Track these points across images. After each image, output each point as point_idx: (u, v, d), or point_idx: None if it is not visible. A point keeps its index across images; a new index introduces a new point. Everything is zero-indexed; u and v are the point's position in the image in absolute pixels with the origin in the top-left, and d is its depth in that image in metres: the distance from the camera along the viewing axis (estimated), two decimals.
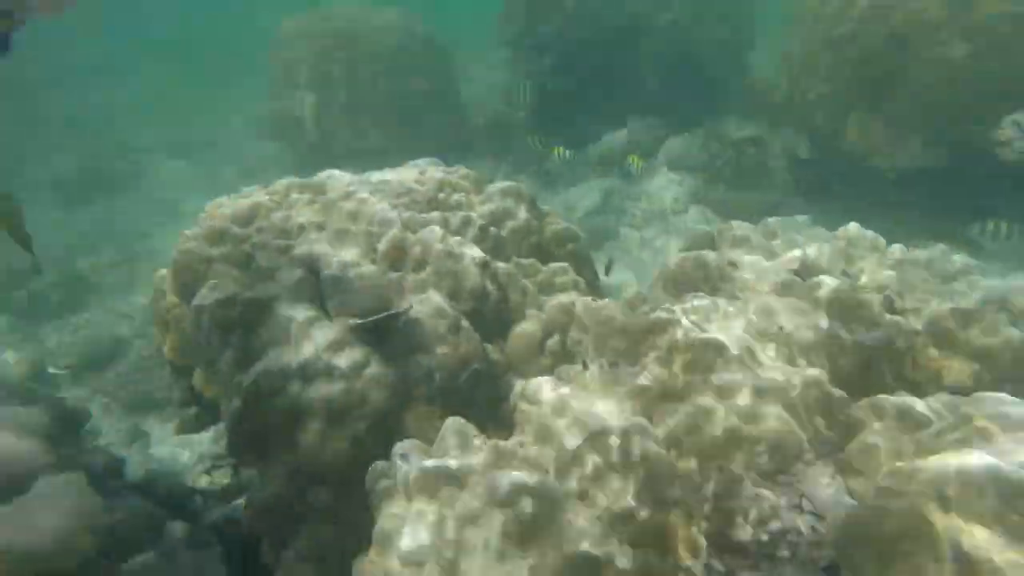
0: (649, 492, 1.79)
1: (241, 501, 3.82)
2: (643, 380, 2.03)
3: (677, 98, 7.67)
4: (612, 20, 7.40)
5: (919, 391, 2.30)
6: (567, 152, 5.98)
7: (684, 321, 2.05)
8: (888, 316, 2.31)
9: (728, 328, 2.02)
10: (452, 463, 1.74)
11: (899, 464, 1.44)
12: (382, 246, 2.78)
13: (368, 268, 2.65)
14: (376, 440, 2.54)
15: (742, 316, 2.08)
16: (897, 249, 2.82)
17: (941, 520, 1.30)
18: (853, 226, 2.96)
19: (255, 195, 3.38)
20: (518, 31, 8.01)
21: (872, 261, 2.60)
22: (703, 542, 1.78)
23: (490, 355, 2.82)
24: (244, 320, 2.64)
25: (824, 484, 1.72)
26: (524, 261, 3.18)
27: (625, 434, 1.81)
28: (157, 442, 4.95)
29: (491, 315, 2.85)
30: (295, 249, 2.79)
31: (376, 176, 3.55)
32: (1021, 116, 5.10)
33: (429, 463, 1.75)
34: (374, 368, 2.51)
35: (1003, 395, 1.47)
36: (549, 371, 2.99)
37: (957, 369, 2.30)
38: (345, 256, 2.73)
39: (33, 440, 2.47)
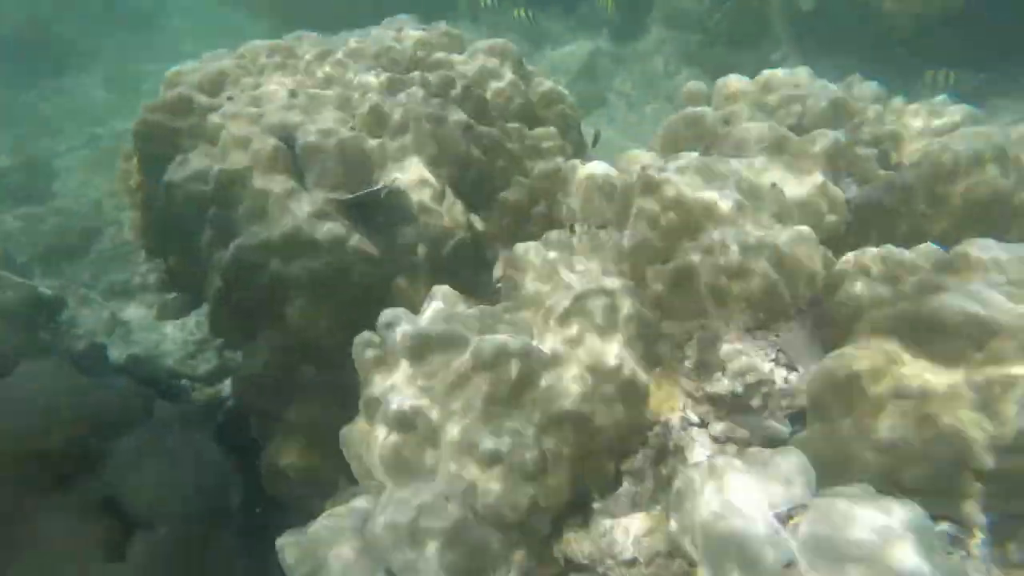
0: (632, 350, 1.82)
1: (227, 383, 3.94)
2: (629, 240, 2.01)
3: None
4: None
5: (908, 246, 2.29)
6: (528, 12, 5.63)
7: (674, 179, 1.99)
8: (882, 171, 2.24)
9: (720, 186, 1.95)
10: (437, 328, 1.75)
11: (874, 312, 1.45)
12: (360, 111, 2.63)
13: (347, 135, 2.52)
14: (361, 313, 2.55)
15: (733, 173, 2.01)
16: (898, 101, 2.70)
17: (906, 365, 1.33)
18: (855, 77, 2.81)
19: (221, 60, 3.14)
20: None
21: (872, 113, 2.48)
22: (682, 397, 1.85)
23: (475, 224, 2.77)
24: (218, 196, 2.55)
25: (802, 337, 1.75)
26: (510, 125, 3.04)
27: (611, 295, 1.81)
28: (138, 330, 4.99)
29: (475, 182, 2.77)
30: (267, 117, 2.63)
31: (351, 37, 3.28)
32: None
33: (414, 328, 1.76)
34: (356, 240, 2.47)
35: (988, 240, 1.46)
36: (533, 238, 2.97)
37: (944, 224, 2.28)
38: (321, 123, 2.58)
39: (11, 325, 2.48)
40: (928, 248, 1.53)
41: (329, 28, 5.13)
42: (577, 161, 2.62)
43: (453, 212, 2.58)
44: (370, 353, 1.88)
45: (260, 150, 2.50)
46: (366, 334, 1.93)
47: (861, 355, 1.35)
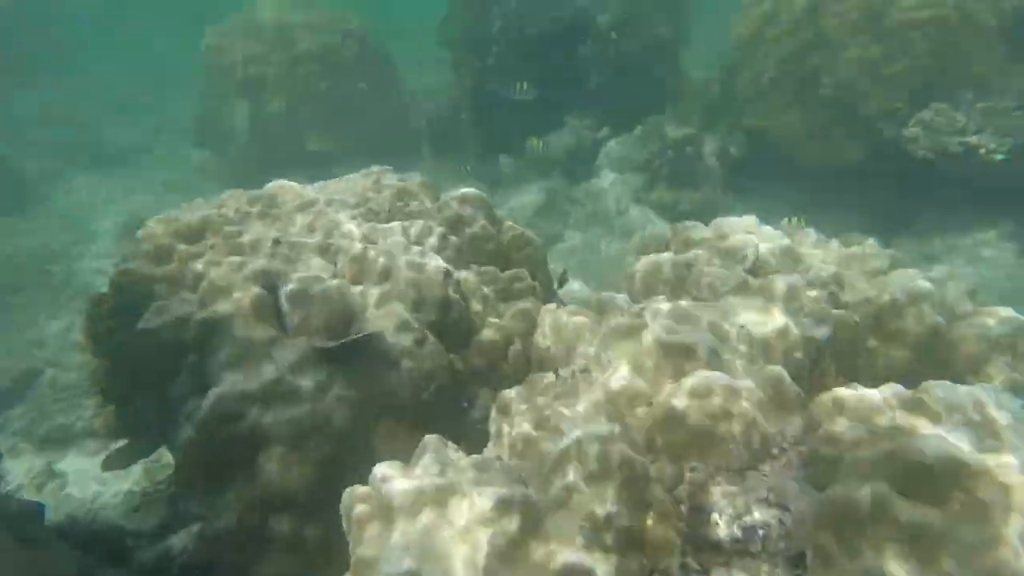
0: (627, 497, 1.84)
1: (178, 537, 3.64)
2: (615, 385, 2.08)
3: (617, 97, 7.83)
4: (554, 20, 7.48)
5: (862, 379, 2.45)
6: (540, 143, 6.19)
7: (652, 324, 2.11)
8: (834, 311, 2.44)
9: (696, 330, 2.09)
10: (434, 481, 1.73)
11: (861, 453, 1.54)
12: (343, 260, 2.73)
13: (330, 283, 2.59)
14: (343, 462, 2.50)
15: (705, 317, 2.16)
16: (836, 245, 3.00)
17: (903, 504, 1.40)
18: (796, 222, 3.12)
19: (201, 209, 3.25)
20: (459, 31, 7.97)
21: (816, 258, 2.74)
22: (678, 542, 1.84)
23: (455, 366, 2.81)
24: (198, 343, 2.53)
25: (789, 476, 1.81)
26: (483, 268, 3.19)
27: (603, 441, 1.85)
28: (76, 481, 4.64)
29: (454, 325, 2.85)
30: (250, 265, 2.69)
31: (330, 186, 3.48)
32: (929, 114, 5.49)
33: (410, 483, 1.73)
34: (339, 388, 2.47)
35: (945, 382, 1.60)
36: (511, 378, 3.03)
37: (892, 356, 2.47)
38: (304, 271, 2.66)
39: None
40: (895, 389, 1.67)
41: (304, 172, 5.39)
42: (553, 305, 2.75)
43: (434, 356, 2.63)
44: (361, 508, 1.82)
45: (243, 298, 2.54)
46: (358, 489, 1.88)
47: (857, 497, 1.42)
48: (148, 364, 2.74)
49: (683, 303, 2.23)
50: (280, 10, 8.09)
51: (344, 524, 1.96)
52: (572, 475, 1.83)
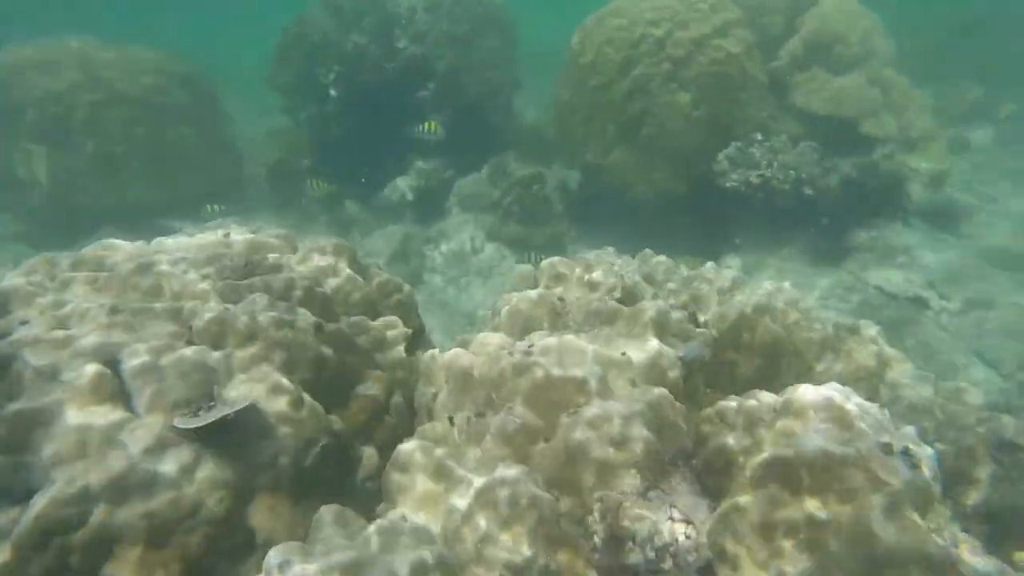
0: (542, 536, 1.83)
1: None
2: (511, 426, 2.08)
3: (458, 140, 8.04)
4: (392, 66, 7.53)
5: (726, 390, 2.70)
6: (323, 184, 6.15)
7: (540, 360, 2.15)
8: (696, 329, 2.67)
9: (582, 362, 2.16)
10: (342, 558, 1.59)
11: (754, 459, 1.68)
12: (199, 323, 2.45)
13: (185, 352, 2.31)
14: (218, 554, 2.20)
15: (590, 349, 2.25)
16: (683, 268, 3.30)
17: (792, 502, 1.55)
18: (648, 252, 3.39)
19: (6, 279, 2.74)
20: (295, 75, 7.71)
21: (672, 283, 3.00)
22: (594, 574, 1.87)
23: (334, 426, 2.63)
24: (12, 442, 2.10)
25: (687, 490, 1.93)
26: (353, 319, 3.05)
27: (511, 484, 1.83)
28: None
29: (329, 381, 2.67)
30: (81, 340, 2.32)
31: (168, 243, 3.13)
32: (731, 151, 6.33)
33: (315, 565, 1.57)
34: (208, 468, 2.18)
35: (808, 385, 1.82)
36: (394, 431, 2.91)
37: (748, 365, 2.76)
38: (152, 340, 2.35)
39: None
40: (768, 398, 1.85)
41: (122, 225, 4.78)
42: (436, 351, 2.69)
43: (314, 417, 2.44)
44: None
45: (76, 379, 2.17)
46: None
47: (751, 503, 1.54)
48: None
49: (566, 338, 2.31)
50: (87, 46, 7.24)
51: None
52: (484, 524, 1.78)
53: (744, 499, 1.62)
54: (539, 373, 2.12)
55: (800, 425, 1.69)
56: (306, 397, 2.47)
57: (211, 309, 2.49)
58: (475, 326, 5.84)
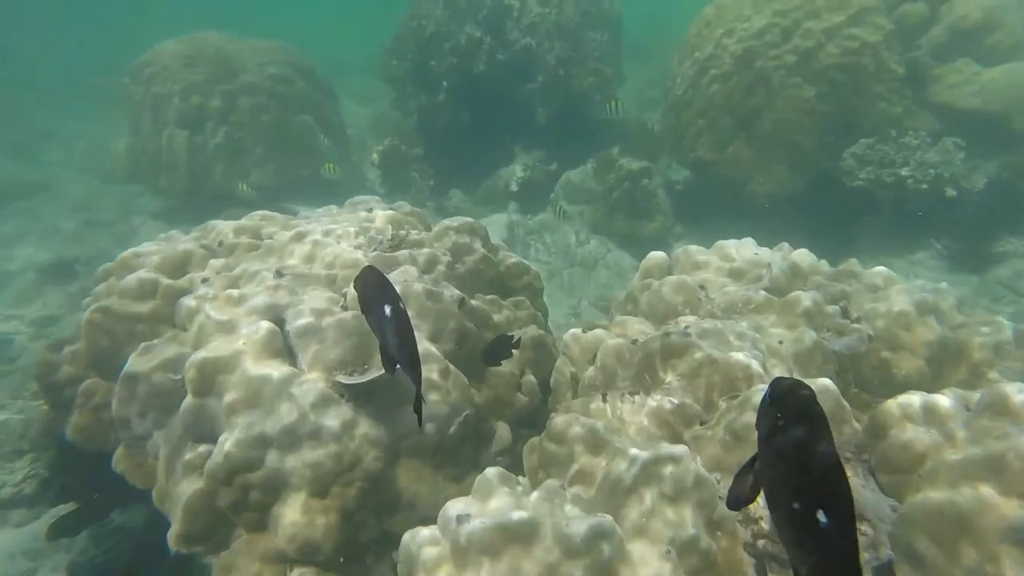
0: (703, 517, 1.79)
1: None
2: (668, 405, 2.05)
3: (562, 133, 8.03)
4: (503, 57, 7.62)
5: (878, 389, 2.55)
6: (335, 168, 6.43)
7: (699, 343, 2.11)
8: (851, 324, 2.54)
9: (742, 347, 2.10)
10: (517, 517, 1.62)
11: (946, 457, 1.57)
12: (351, 290, 2.57)
13: (345, 315, 2.43)
14: (369, 509, 2.31)
15: (748, 335, 2.18)
16: (826, 265, 3.13)
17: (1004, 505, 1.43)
18: (787, 246, 3.24)
19: (181, 242, 3.00)
20: (409, 66, 7.96)
21: (818, 277, 2.85)
22: (751, 562, 1.81)
23: (475, 399, 2.70)
24: (201, 386, 2.29)
25: (861, 486, 1.83)
26: (488, 297, 3.11)
27: (676, 461, 1.81)
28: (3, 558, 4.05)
29: (468, 355, 2.74)
30: (252, 299, 2.49)
31: (320, 215, 3.30)
32: (860, 148, 5.95)
33: (492, 520, 1.61)
34: (365, 426, 2.29)
35: (1017, 383, 1.67)
36: (527, 408, 2.94)
37: (907, 366, 2.58)
38: (312, 303, 2.49)
39: None
40: (964, 394, 1.73)
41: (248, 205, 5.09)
42: (577, 330, 2.70)
43: (459, 387, 2.50)
44: (430, 552, 1.68)
45: (252, 334, 2.33)
46: (421, 531, 1.73)
47: (961, 499, 1.44)
48: (132, 412, 2.45)
49: (727, 322, 2.25)
50: (222, 40, 7.80)
51: (403, 570, 1.80)
52: (649, 498, 1.76)
53: (939, 495, 1.51)
54: (698, 355, 2.08)
55: (1010, 424, 1.56)
56: (452, 367, 2.54)
57: None
58: (580, 317, 5.81)
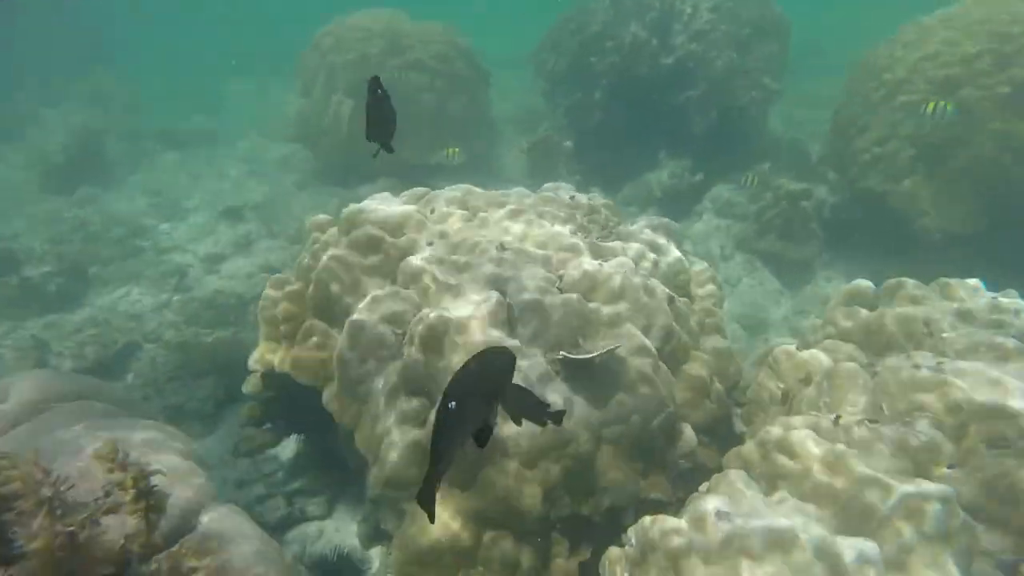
0: (963, 566, 1.70)
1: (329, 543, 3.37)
2: (915, 440, 1.96)
3: (714, 144, 7.82)
4: (667, 61, 7.52)
5: None
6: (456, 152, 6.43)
7: (957, 382, 1.99)
8: None
9: (1003, 393, 1.96)
10: (782, 524, 1.60)
11: None
12: (574, 273, 2.63)
13: (570, 296, 2.49)
14: (570, 486, 2.36)
15: (1007, 381, 2.04)
16: None
17: None
18: (1010, 292, 2.99)
19: (399, 204, 3.17)
20: (568, 61, 8.02)
21: None
22: None
23: (676, 397, 2.69)
24: (430, 342, 2.42)
25: None
26: (682, 298, 3.09)
27: (941, 500, 1.72)
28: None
29: (670, 354, 2.73)
30: (478, 268, 2.60)
31: (519, 194, 3.39)
32: None
33: (761, 523, 1.60)
34: (581, 405, 2.34)
35: None
36: (713, 415, 2.90)
37: None
38: (533, 281, 2.56)
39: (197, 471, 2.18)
40: None
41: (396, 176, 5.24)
42: (789, 347, 2.63)
43: (667, 384, 2.51)
44: (676, 542, 1.69)
45: (483, 302, 2.43)
46: (667, 520, 1.75)
47: None
48: (354, 356, 2.62)
49: (979, 364, 2.11)
50: (394, 18, 8.17)
51: (635, 554, 1.82)
52: (908, 533, 1.69)
53: None
54: (956, 395, 1.97)
55: None
56: (662, 363, 2.54)
57: (584, 264, 2.65)
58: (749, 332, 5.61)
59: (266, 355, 3.17)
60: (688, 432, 2.75)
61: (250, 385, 3.51)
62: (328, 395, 2.79)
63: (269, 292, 3.15)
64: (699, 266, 3.44)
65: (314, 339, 2.89)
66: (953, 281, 2.88)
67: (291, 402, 3.46)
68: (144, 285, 6.44)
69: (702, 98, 7.59)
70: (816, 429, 2.08)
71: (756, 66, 7.82)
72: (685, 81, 7.62)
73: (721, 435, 2.95)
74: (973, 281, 2.91)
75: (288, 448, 3.87)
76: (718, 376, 2.98)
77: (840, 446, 1.93)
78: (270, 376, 3.28)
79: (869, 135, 6.27)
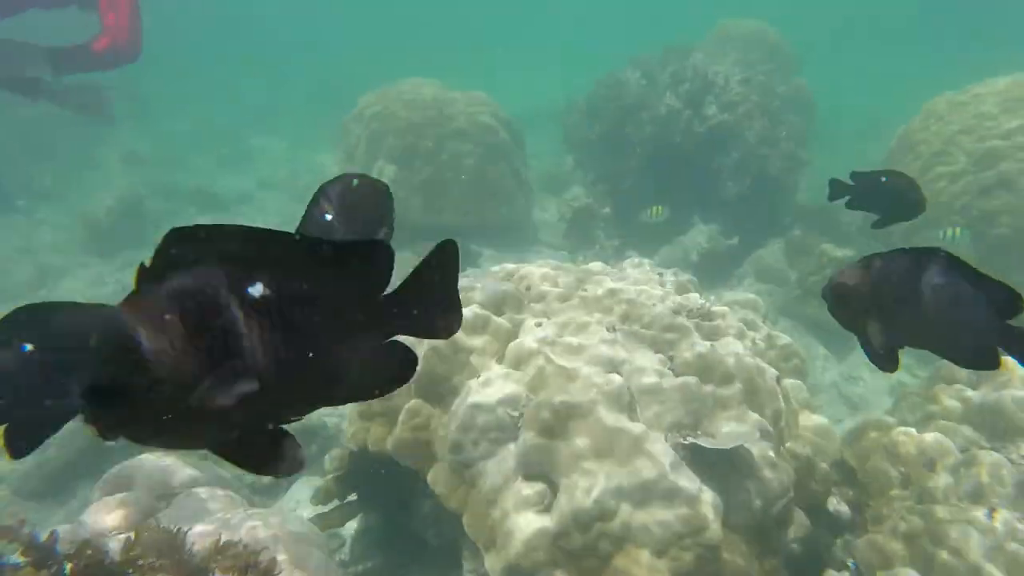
0: None
1: None
2: None
3: (748, 208, 7.98)
4: (701, 130, 7.77)
5: None
6: (660, 209, 6.46)
7: None
8: None
9: None
10: None
11: None
12: (686, 355, 2.66)
13: (689, 379, 2.51)
14: (697, 574, 2.32)
15: None
16: None
17: None
18: None
19: (497, 285, 3.23)
20: (601, 129, 8.28)
21: None
22: None
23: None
24: (551, 427, 2.43)
25: None
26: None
27: None
28: None
29: (779, 434, 2.73)
30: (592, 349, 2.63)
31: (603, 270, 3.46)
32: None
33: None
34: (709, 492, 2.33)
35: None
36: (818, 497, 2.87)
37: None
38: (649, 363, 2.58)
39: None
40: None
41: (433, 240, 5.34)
42: (911, 428, 2.63)
43: (789, 469, 2.49)
44: None
45: (606, 385, 2.45)
46: None
47: None
48: (469, 439, 2.62)
49: None
50: (440, 88, 8.49)
51: None
52: None
53: None
54: None
55: None
56: (783, 447, 2.54)
57: (697, 347, 2.68)
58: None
59: (359, 433, 3.15)
60: (800, 516, 2.72)
61: (335, 462, 3.48)
62: (433, 477, 2.77)
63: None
64: (783, 340, 3.46)
65: (418, 420, 2.88)
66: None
67: (369, 481, 3.43)
68: None
69: (735, 166, 7.81)
70: (971, 523, 2.06)
71: (785, 135, 8.07)
72: (718, 149, 7.85)
73: (820, 515, 2.91)
74: None
75: (355, 526, 3.80)
76: (819, 455, 2.96)
77: (1012, 544, 1.91)
78: (355, 454, 3.26)
79: None
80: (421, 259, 0.95)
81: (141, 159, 12.22)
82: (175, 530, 1.62)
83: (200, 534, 2.11)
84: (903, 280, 1.03)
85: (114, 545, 1.55)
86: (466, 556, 2.86)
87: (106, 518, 2.35)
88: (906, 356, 5.16)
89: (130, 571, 1.31)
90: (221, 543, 1.65)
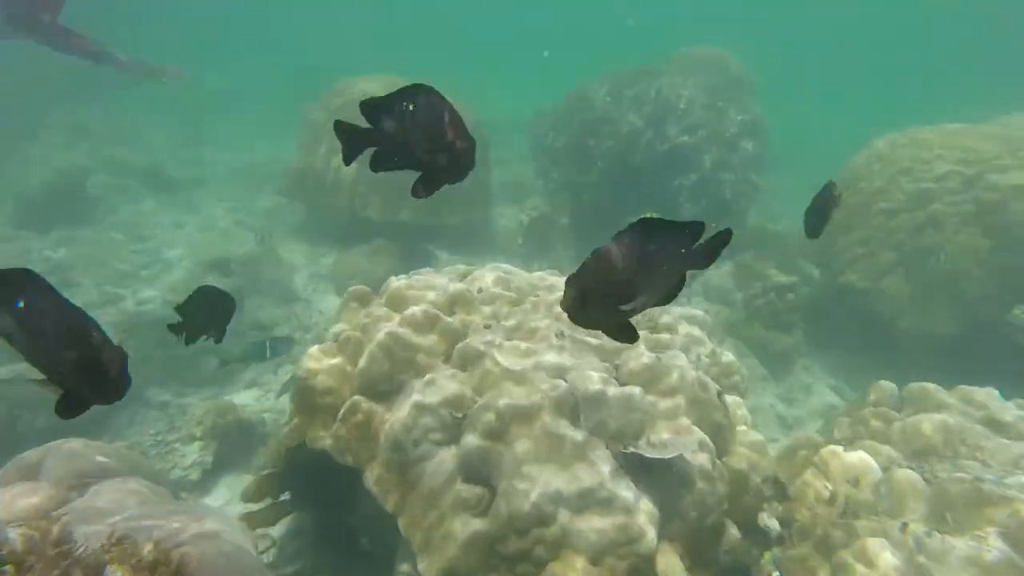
0: None
1: None
2: (990, 555, 2.03)
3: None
4: (662, 150, 7.93)
5: None
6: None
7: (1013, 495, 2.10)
8: None
9: None
10: None
11: None
12: (632, 365, 2.68)
13: (633, 390, 2.53)
14: None
15: None
16: None
17: None
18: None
19: (448, 282, 3.20)
20: (565, 141, 8.37)
21: None
22: None
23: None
24: (494, 430, 2.40)
25: None
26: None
27: None
28: None
29: (719, 448, 2.78)
30: (540, 356, 2.62)
31: (555, 277, 3.47)
32: None
33: None
34: (647, 502, 2.35)
35: None
36: (750, 511, 2.93)
37: None
38: (595, 371, 2.60)
39: None
40: None
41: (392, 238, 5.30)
42: (838, 447, 2.72)
43: (724, 480, 2.54)
44: None
45: (551, 391, 2.45)
46: None
47: None
48: (408, 440, 2.58)
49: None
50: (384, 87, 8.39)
51: None
52: None
53: None
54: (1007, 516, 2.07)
55: None
56: (717, 460, 2.58)
57: (644, 357, 2.71)
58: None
59: (297, 428, 3.06)
60: (732, 528, 2.77)
61: (269, 456, 3.37)
62: (374, 477, 2.70)
63: (310, 365, 3.08)
64: (728, 358, 3.54)
65: (359, 417, 2.82)
66: (973, 389, 3.06)
67: (304, 478, 3.34)
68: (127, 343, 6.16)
69: (693, 187, 8.01)
70: (885, 536, 2.13)
71: (741, 163, 8.33)
72: (678, 169, 8.03)
73: (751, 529, 2.98)
74: (989, 389, 3.10)
75: (286, 526, 3.68)
76: (754, 470, 3.03)
77: (921, 558, 1.99)
78: (292, 450, 3.17)
79: (853, 235, 6.70)
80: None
81: (89, 132, 11.67)
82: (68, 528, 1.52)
83: (104, 529, 1.99)
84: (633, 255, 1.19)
85: (13, 535, 1.44)
86: (401, 558, 2.81)
87: (15, 504, 2.20)
88: (837, 380, 5.34)
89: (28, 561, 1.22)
90: (116, 538, 1.56)
